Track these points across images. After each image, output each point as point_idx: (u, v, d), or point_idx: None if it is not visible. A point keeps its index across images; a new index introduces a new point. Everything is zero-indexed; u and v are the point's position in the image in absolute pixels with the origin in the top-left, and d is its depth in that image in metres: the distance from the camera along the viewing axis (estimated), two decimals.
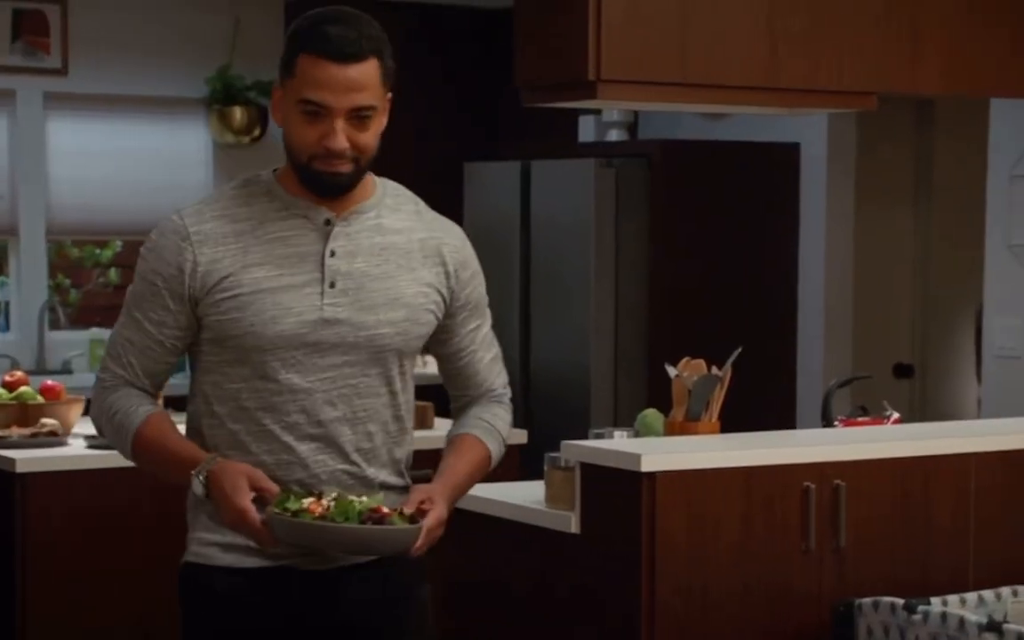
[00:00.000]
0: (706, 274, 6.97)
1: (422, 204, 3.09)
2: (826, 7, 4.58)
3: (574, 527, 4.07)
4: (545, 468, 4.21)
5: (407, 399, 3.06)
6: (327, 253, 2.91)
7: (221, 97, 7.69)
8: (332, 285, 2.90)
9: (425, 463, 5.58)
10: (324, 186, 2.90)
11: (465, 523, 4.44)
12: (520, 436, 5.81)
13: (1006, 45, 4.92)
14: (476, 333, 3.14)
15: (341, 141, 2.86)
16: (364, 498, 2.82)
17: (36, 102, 7.52)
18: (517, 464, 5.62)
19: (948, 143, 7.61)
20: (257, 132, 7.75)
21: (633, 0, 4.29)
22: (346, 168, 2.88)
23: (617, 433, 4.33)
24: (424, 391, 6.93)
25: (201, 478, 2.86)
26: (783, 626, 4.05)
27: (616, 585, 3.97)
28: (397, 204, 3.03)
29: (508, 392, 3.23)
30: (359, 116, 2.86)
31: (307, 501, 2.78)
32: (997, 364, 6.65)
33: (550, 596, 4.19)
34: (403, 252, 2.98)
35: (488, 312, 3.18)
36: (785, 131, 7.15)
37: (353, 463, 2.94)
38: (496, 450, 3.16)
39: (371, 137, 2.89)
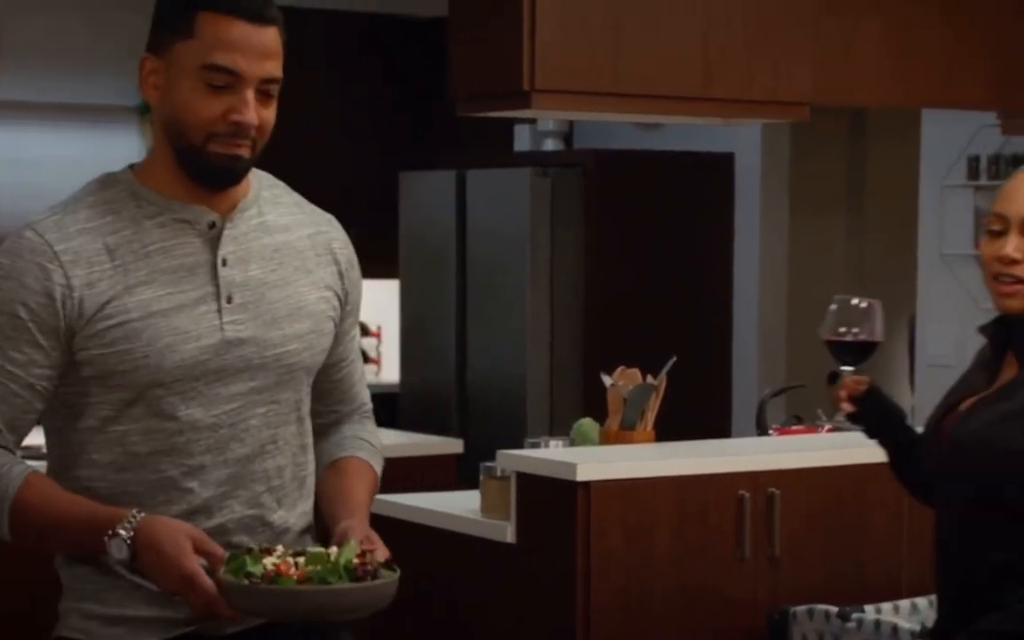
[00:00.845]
0: (641, 283, 7.00)
1: (296, 193, 2.66)
2: (760, 18, 4.61)
3: (510, 537, 4.06)
4: (481, 477, 4.21)
5: (309, 425, 2.63)
6: (219, 262, 2.47)
7: None
8: (229, 300, 2.47)
9: None
10: (217, 174, 2.45)
11: (399, 532, 4.42)
12: (456, 445, 5.80)
13: (939, 56, 4.96)
14: (355, 340, 2.74)
15: (254, 115, 2.42)
16: (332, 549, 2.41)
17: None
18: (453, 473, 5.62)
19: (881, 153, 7.68)
20: None
21: (567, 10, 4.30)
22: (246, 151, 2.44)
23: (553, 442, 4.33)
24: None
25: (125, 538, 2.36)
26: (719, 634, 4.06)
27: (552, 595, 3.97)
28: (275, 197, 2.60)
29: (371, 408, 2.85)
30: (266, 90, 2.44)
31: (269, 561, 2.35)
32: (930, 372, 6.71)
33: (486, 606, 4.18)
34: (296, 252, 2.56)
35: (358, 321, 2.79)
36: (719, 141, 7.19)
37: (261, 505, 2.52)
38: (380, 472, 2.78)
39: (273, 116, 2.47)
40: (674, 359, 4.31)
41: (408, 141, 8.04)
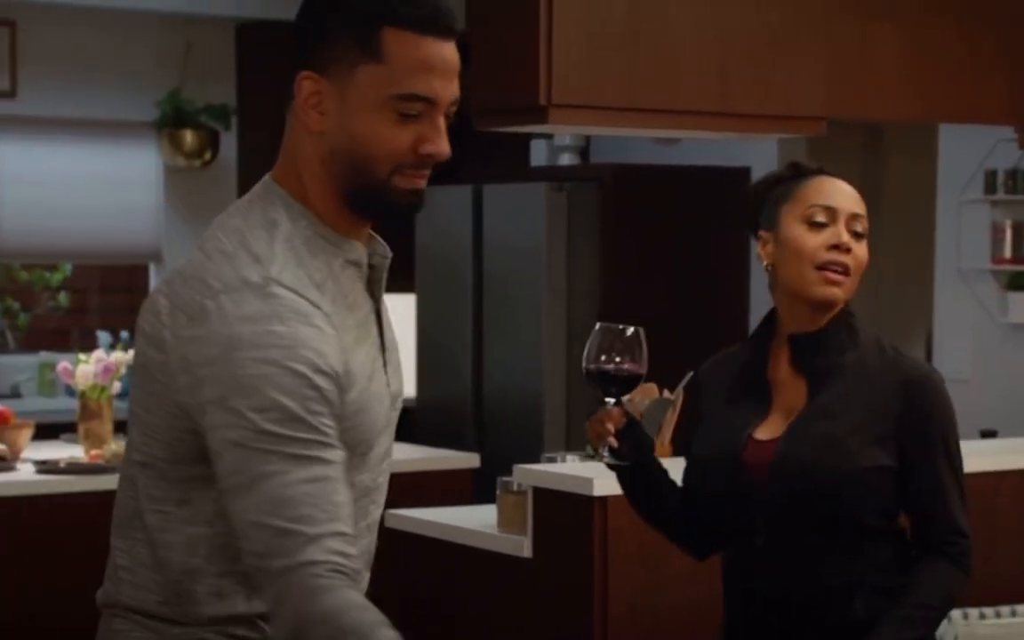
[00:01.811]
0: (657, 298, 7.00)
1: None
2: (776, 33, 4.61)
3: (526, 551, 4.06)
4: (497, 492, 4.21)
5: None
6: (381, 307, 2.18)
7: (172, 120, 7.66)
8: (384, 349, 2.17)
9: None
10: (399, 211, 2.12)
11: (417, 547, 4.43)
12: (472, 460, 5.81)
13: (956, 70, 4.96)
14: None
15: (447, 144, 2.11)
16: None
17: None
18: (469, 488, 5.62)
19: (897, 167, 7.67)
20: (208, 155, 7.73)
21: (585, 25, 4.31)
22: (425, 182, 2.15)
23: (569, 457, 4.33)
24: None
25: None
26: None
27: (568, 609, 3.97)
28: None
29: None
30: (450, 113, 2.12)
31: None
32: (947, 387, 6.69)
33: (502, 620, 4.18)
34: (381, 291, 2.24)
35: None
36: (735, 155, 7.19)
37: (368, 570, 2.22)
38: None
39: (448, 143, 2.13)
40: (691, 374, 4.31)
41: None
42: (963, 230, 6.75)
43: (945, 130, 6.68)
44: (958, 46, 4.95)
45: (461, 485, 5.63)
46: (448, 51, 2.09)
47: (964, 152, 6.68)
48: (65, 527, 5.07)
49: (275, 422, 1.95)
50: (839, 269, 2.88)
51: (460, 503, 4.99)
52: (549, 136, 7.45)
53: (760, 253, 2.97)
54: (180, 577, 2.08)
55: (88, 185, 7.68)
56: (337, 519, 1.96)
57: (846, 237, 2.89)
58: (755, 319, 7.42)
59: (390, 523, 4.56)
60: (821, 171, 3.00)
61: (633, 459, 2.91)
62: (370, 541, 2.20)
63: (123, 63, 7.71)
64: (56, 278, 8.59)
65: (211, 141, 7.72)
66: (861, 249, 2.93)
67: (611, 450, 2.88)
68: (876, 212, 7.69)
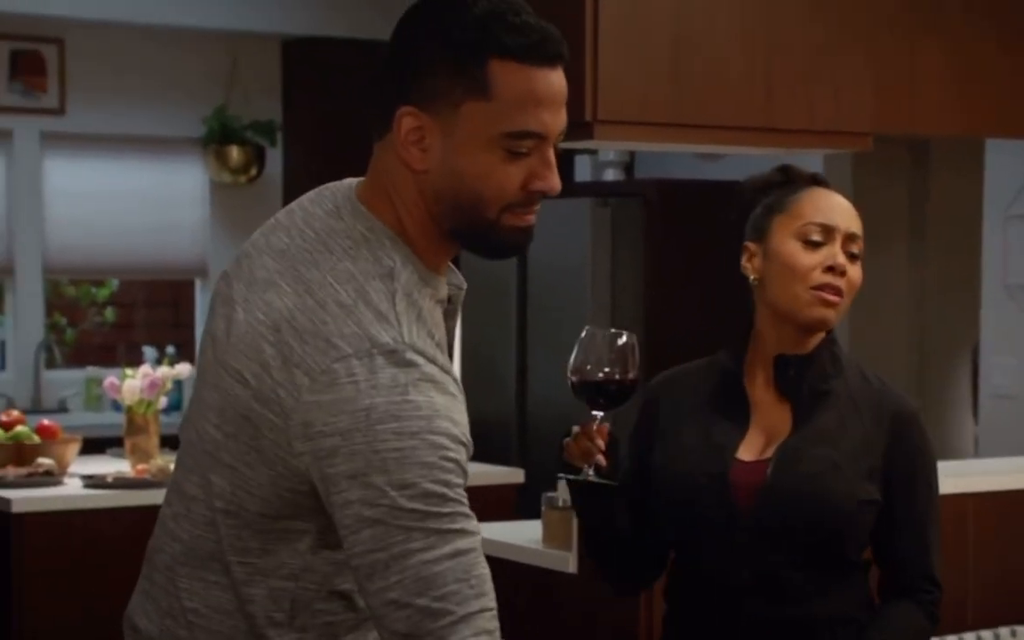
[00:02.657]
0: (702, 313, 6.98)
1: None
2: (821, 48, 4.60)
3: (572, 567, 4.06)
4: (542, 508, 4.21)
5: None
6: (456, 339, 2.13)
7: (218, 137, 7.71)
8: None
9: None
10: (506, 250, 2.04)
11: None
12: (517, 475, 5.81)
13: (1002, 85, 4.93)
14: None
15: (558, 179, 2.01)
16: None
17: (33, 142, 7.54)
18: (513, 503, 5.62)
19: (943, 182, 7.64)
20: (254, 171, 7.77)
21: (629, 41, 4.31)
22: (535, 219, 2.05)
23: None
24: None
25: None
26: None
27: (615, 625, 3.96)
28: None
29: None
30: (557, 142, 2.03)
31: None
32: (994, 403, 6.65)
33: (547, 637, 4.18)
34: None
35: None
36: None
37: None
38: None
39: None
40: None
41: None
42: (1010, 245, 6.72)
43: (991, 145, 6.64)
44: (1004, 61, 4.93)
45: (505, 500, 5.64)
46: (557, 80, 1.97)
47: (1010, 167, 6.64)
48: (112, 541, 5.09)
49: (416, 498, 1.88)
50: (833, 292, 2.72)
51: (504, 519, 4.99)
52: (593, 152, 7.45)
53: (745, 266, 2.83)
54: (263, 629, 2.03)
55: (135, 201, 7.73)
56: (483, 594, 1.91)
57: (842, 259, 2.74)
58: None
59: None
60: (815, 180, 2.84)
61: (618, 480, 2.68)
62: None
63: (170, 80, 7.76)
64: (103, 294, 8.65)
65: (257, 157, 7.76)
66: (856, 271, 2.77)
67: (597, 469, 2.62)
68: (922, 227, 7.66)
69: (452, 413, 1.93)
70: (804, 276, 2.71)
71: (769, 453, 2.70)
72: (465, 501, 1.93)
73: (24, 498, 5.05)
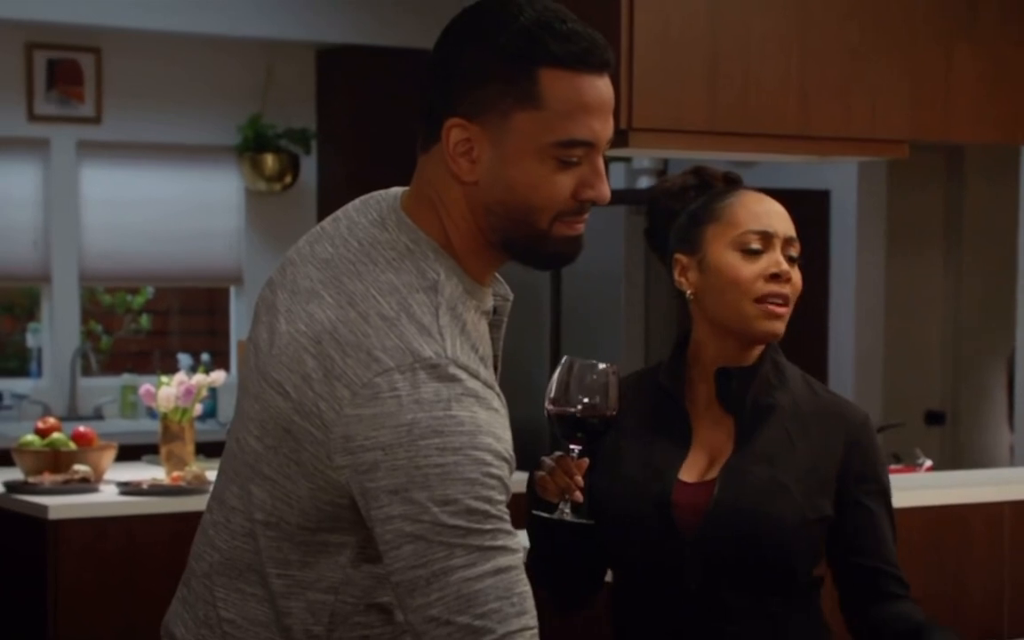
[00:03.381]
0: None
1: None
2: (857, 55, 4.59)
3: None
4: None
5: None
6: (499, 351, 2.14)
7: (253, 145, 7.73)
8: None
9: None
10: (557, 261, 2.04)
11: None
12: None
13: None
14: None
15: (608, 187, 2.02)
16: None
17: (70, 150, 7.57)
18: None
19: (979, 189, 7.61)
20: (289, 179, 7.79)
21: (664, 49, 4.30)
22: (584, 227, 2.04)
23: None
24: None
25: None
26: None
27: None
28: None
29: None
30: (605, 150, 2.03)
31: None
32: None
33: None
34: None
35: None
36: (815, 178, 7.15)
37: None
38: None
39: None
40: None
41: None
42: None
43: None
44: None
45: None
46: (605, 87, 1.97)
47: None
48: (147, 548, 5.11)
49: (459, 515, 1.87)
50: (780, 301, 2.57)
51: None
52: (627, 159, 7.44)
53: (679, 280, 2.61)
54: None
55: (170, 209, 7.76)
56: (525, 612, 1.91)
57: (785, 265, 2.59)
58: (834, 343, 7.39)
59: None
60: (737, 182, 2.70)
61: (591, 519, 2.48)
62: None
63: (205, 88, 7.79)
64: (138, 301, 8.68)
65: (291, 165, 7.78)
66: (798, 276, 2.62)
67: (573, 507, 2.41)
68: (958, 234, 7.63)
69: (495, 428, 1.93)
70: (747, 288, 2.56)
71: (712, 474, 2.57)
72: (507, 518, 1.91)
73: (60, 505, 5.07)
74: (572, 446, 2.43)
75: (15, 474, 5.44)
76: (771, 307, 2.56)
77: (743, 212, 2.61)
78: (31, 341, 7.76)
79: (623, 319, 6.81)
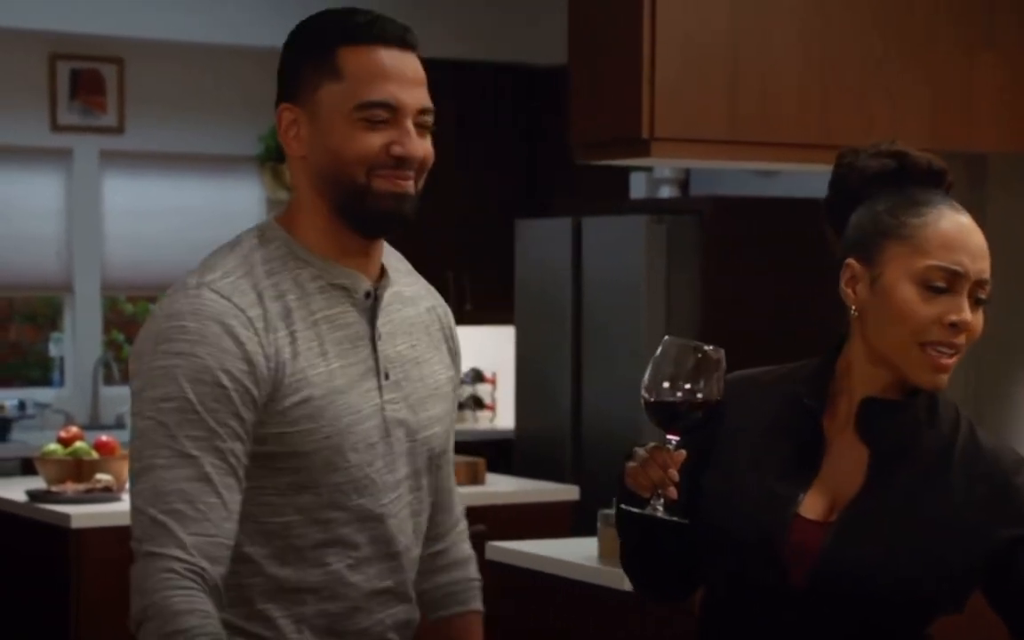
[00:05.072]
0: (758, 331, 6.96)
1: (408, 263, 2.45)
2: (878, 64, 4.59)
3: (628, 585, 4.05)
4: (598, 525, 4.20)
5: None
6: (376, 335, 2.26)
7: (275, 154, 7.75)
8: (387, 376, 2.26)
9: (477, 519, 5.59)
10: (384, 217, 2.22)
11: (516, 579, 4.43)
12: (571, 492, 5.81)
13: None
14: (453, 428, 2.44)
15: (417, 146, 2.22)
16: None
17: (92, 160, 7.60)
18: (568, 520, 5.62)
19: (1000, 197, 7.58)
20: None
21: (686, 58, 4.31)
22: (411, 186, 2.23)
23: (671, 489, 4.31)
24: (476, 446, 6.95)
25: None
26: None
27: None
28: (397, 264, 2.38)
29: (464, 511, 2.56)
30: (423, 122, 2.25)
31: None
32: None
33: None
34: (424, 327, 2.36)
35: None
36: None
37: (410, 600, 2.34)
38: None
39: (432, 149, 2.27)
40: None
41: (524, 188, 8.08)
42: None
43: None
44: None
45: (560, 517, 5.63)
46: (404, 61, 2.24)
47: None
48: None
49: (172, 413, 2.11)
50: (950, 351, 2.27)
51: (559, 536, 4.99)
52: (649, 168, 7.44)
53: (845, 289, 2.34)
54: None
55: (192, 219, 7.78)
56: (207, 520, 2.11)
57: (967, 314, 2.25)
58: None
59: (490, 555, 4.56)
60: (941, 178, 2.36)
61: (687, 517, 2.27)
62: (386, 569, 2.27)
63: (227, 98, 7.81)
64: None
65: None
66: (979, 320, 2.30)
67: (666, 503, 2.23)
68: None
69: (227, 344, 2.14)
70: (918, 330, 2.24)
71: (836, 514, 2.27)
72: (226, 429, 2.13)
73: (82, 514, 5.09)
74: (669, 437, 2.24)
75: (38, 483, 5.45)
76: (939, 360, 2.26)
77: (935, 240, 2.26)
78: (53, 350, 7.78)
79: (644, 328, 6.80)
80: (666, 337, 2.32)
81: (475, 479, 5.69)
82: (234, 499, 2.14)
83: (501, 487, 5.77)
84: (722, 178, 7.61)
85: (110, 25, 7.31)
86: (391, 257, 2.36)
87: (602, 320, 6.98)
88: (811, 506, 2.27)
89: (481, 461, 5.79)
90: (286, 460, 2.18)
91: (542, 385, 7.24)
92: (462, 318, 8.06)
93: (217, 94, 7.79)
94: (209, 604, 2.11)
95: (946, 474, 2.28)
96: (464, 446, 6.89)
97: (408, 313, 2.33)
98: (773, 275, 7.03)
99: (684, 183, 7.67)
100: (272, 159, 7.76)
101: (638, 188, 7.62)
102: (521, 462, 7.20)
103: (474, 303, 7.97)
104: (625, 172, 7.59)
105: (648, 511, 2.24)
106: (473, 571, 2.53)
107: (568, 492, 5.81)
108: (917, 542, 2.24)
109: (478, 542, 4.94)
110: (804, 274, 7.07)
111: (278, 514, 2.20)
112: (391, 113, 2.22)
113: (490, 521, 5.45)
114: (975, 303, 2.28)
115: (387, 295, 2.29)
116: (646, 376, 2.28)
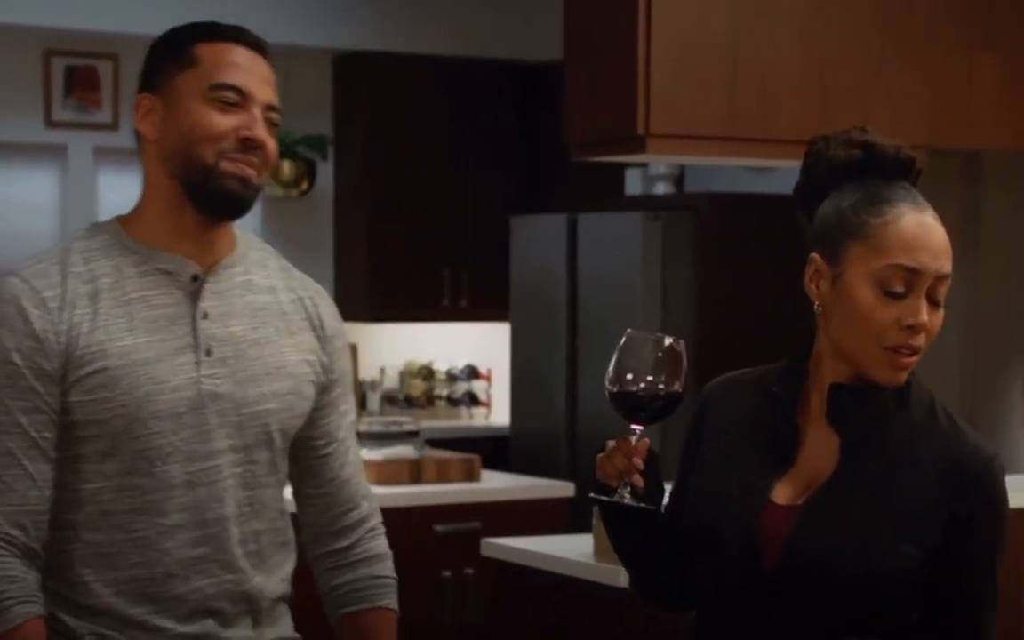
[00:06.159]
0: (754, 328, 6.96)
1: (284, 260, 2.61)
2: (877, 61, 4.59)
3: (623, 581, 4.05)
4: (594, 522, 4.20)
5: (283, 491, 2.52)
6: (199, 315, 2.42)
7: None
8: (208, 353, 2.41)
9: (472, 515, 5.58)
10: (229, 198, 2.41)
11: (511, 576, 4.43)
12: (567, 489, 5.81)
13: None
14: (347, 419, 2.58)
15: (263, 132, 2.42)
16: None
17: (87, 157, 7.59)
18: (564, 517, 5.62)
19: (996, 195, 7.59)
20: (305, 186, 7.79)
21: (682, 55, 4.30)
22: (255, 173, 2.42)
23: (666, 485, 4.31)
24: (471, 443, 6.95)
25: None
26: None
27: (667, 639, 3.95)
28: (263, 259, 2.55)
29: (377, 507, 2.63)
30: (271, 118, 2.46)
31: None
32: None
33: None
34: (280, 313, 2.51)
35: (353, 399, 2.63)
36: None
37: (239, 570, 2.43)
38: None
39: (276, 145, 2.47)
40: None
41: (519, 185, 8.07)
42: None
43: None
44: None
45: (556, 514, 5.63)
46: (257, 60, 2.47)
47: None
48: None
49: None
50: (909, 352, 2.27)
51: (554, 532, 4.98)
52: (644, 165, 7.44)
53: (809, 285, 2.36)
54: None
55: None
56: (13, 491, 2.32)
57: (924, 316, 2.26)
58: None
59: (485, 552, 4.56)
60: (907, 171, 2.37)
61: (654, 503, 2.33)
62: (202, 537, 2.39)
63: None
64: None
65: (308, 171, 7.79)
66: (938, 319, 2.30)
67: (633, 491, 2.31)
68: (975, 241, 7.61)
69: (16, 324, 2.36)
70: (878, 333, 2.26)
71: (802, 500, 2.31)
72: (10, 407, 2.34)
73: None
74: (633, 426, 2.32)
75: None
76: (898, 359, 2.26)
77: (894, 240, 2.27)
78: None
79: (640, 325, 6.78)
80: (629, 330, 2.36)
81: (470, 476, 5.69)
82: (41, 469, 2.34)
83: (496, 484, 5.77)
84: (717, 175, 7.61)
85: (105, 21, 7.30)
86: (263, 253, 2.55)
87: (598, 316, 6.98)
88: (784, 493, 2.31)
89: (476, 458, 5.78)
90: (87, 427, 2.35)
91: (538, 382, 7.24)
92: (458, 315, 8.09)
93: None
94: (20, 568, 2.31)
95: (914, 462, 2.29)
96: (460, 443, 6.89)
97: (257, 299, 2.48)
98: (768, 271, 7.03)
99: (679, 180, 7.67)
100: None
101: (633, 185, 7.62)
102: (516, 459, 7.20)
103: (470, 300, 7.96)
104: (620, 169, 7.59)
105: (616, 499, 2.32)
106: (382, 569, 2.59)
107: (564, 489, 5.80)
108: (880, 530, 2.25)
109: (473, 538, 4.95)
110: (800, 271, 7.07)
111: (89, 480, 2.37)
112: (241, 97, 2.42)
113: (485, 518, 5.45)
114: (932, 303, 2.29)
115: (223, 281, 2.46)
116: (610, 368, 2.33)
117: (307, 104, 7.87)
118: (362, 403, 7.87)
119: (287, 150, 7.74)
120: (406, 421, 5.94)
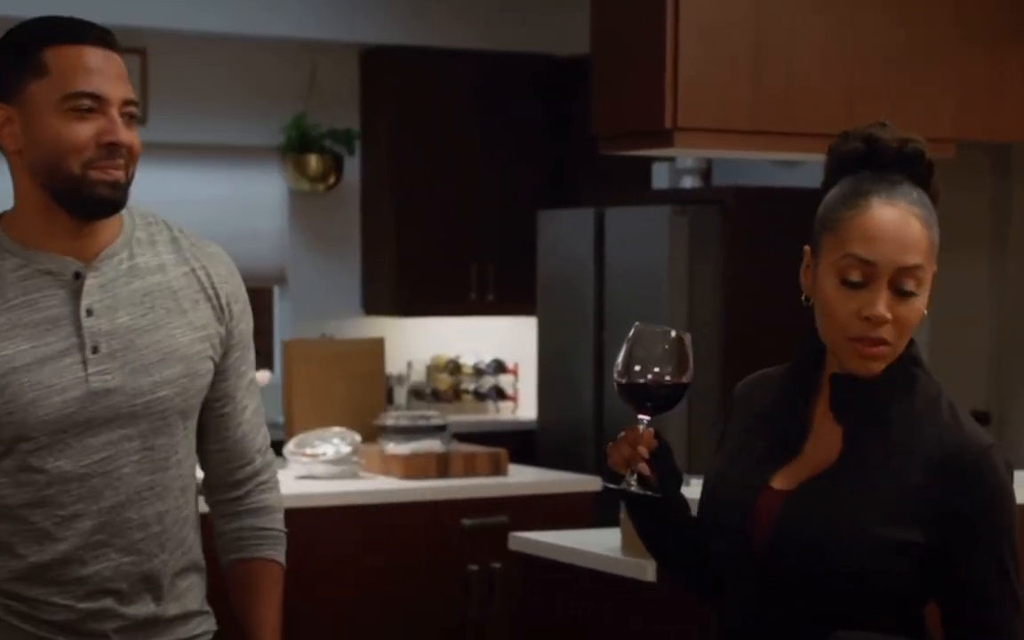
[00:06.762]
0: (781, 322, 6.93)
1: (177, 228, 2.60)
2: (904, 54, 4.57)
3: (650, 575, 4.05)
4: (621, 516, 4.20)
5: (191, 465, 2.58)
6: (82, 312, 2.44)
7: (296, 145, 7.75)
8: (95, 350, 2.44)
9: (499, 509, 5.58)
10: (100, 204, 2.42)
11: (539, 571, 4.43)
12: (594, 483, 5.80)
13: None
14: (246, 379, 2.64)
15: (124, 134, 2.42)
16: None
17: None
18: (590, 511, 5.61)
19: None
20: (332, 180, 7.81)
21: (709, 49, 4.30)
22: (122, 175, 2.43)
23: (693, 480, 4.31)
24: (498, 437, 6.95)
25: None
26: None
27: (693, 634, 3.95)
28: (151, 236, 2.55)
29: (273, 462, 2.71)
30: (129, 113, 2.44)
31: None
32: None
33: None
34: (170, 293, 2.52)
35: (253, 356, 2.69)
36: None
37: (141, 552, 2.50)
38: (283, 559, 2.70)
39: (138, 139, 2.46)
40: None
41: (546, 179, 8.07)
42: None
43: None
44: None
45: (583, 508, 5.63)
46: (107, 58, 2.43)
47: None
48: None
49: None
50: (872, 343, 2.26)
51: (581, 526, 4.98)
52: (671, 159, 7.43)
53: (802, 277, 2.41)
54: None
55: (214, 209, 7.78)
56: None
57: (882, 308, 2.24)
58: None
59: (512, 546, 4.56)
60: (924, 168, 2.40)
61: (668, 492, 2.39)
62: (99, 524, 2.45)
63: (249, 89, 7.81)
64: None
65: (335, 165, 7.80)
66: (909, 309, 2.27)
67: (640, 479, 2.37)
68: (1004, 235, 7.58)
69: None
70: (841, 325, 2.28)
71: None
72: None
73: None
74: (640, 416, 2.40)
75: None
76: (864, 348, 2.26)
77: (855, 231, 2.28)
78: None
79: (667, 319, 6.80)
80: (636, 323, 2.43)
81: (497, 470, 5.69)
82: None
83: (523, 478, 5.77)
84: (744, 168, 7.60)
85: (132, 16, 7.32)
86: (152, 228, 2.55)
87: (624, 311, 6.97)
88: (784, 480, 2.32)
89: (503, 452, 5.79)
90: None
91: (564, 376, 7.24)
92: (485, 309, 8.09)
93: (239, 85, 7.80)
94: None
95: (908, 451, 2.27)
96: (486, 437, 6.89)
97: (143, 283, 2.48)
98: (795, 265, 6.99)
99: (706, 173, 7.66)
100: (294, 150, 7.76)
101: (660, 179, 7.61)
102: (543, 453, 7.20)
103: (497, 294, 7.96)
104: (648, 163, 7.58)
105: (623, 486, 2.39)
106: (269, 521, 2.67)
107: (590, 483, 5.80)
108: (867, 518, 2.24)
109: (500, 533, 4.95)
110: None
111: None
112: (97, 103, 2.41)
113: (512, 512, 5.45)
114: (899, 294, 2.27)
115: (108, 272, 2.46)
116: (618, 360, 2.41)
117: (334, 99, 7.89)
118: (389, 397, 7.88)
119: (314, 144, 7.75)
120: (433, 415, 5.94)
